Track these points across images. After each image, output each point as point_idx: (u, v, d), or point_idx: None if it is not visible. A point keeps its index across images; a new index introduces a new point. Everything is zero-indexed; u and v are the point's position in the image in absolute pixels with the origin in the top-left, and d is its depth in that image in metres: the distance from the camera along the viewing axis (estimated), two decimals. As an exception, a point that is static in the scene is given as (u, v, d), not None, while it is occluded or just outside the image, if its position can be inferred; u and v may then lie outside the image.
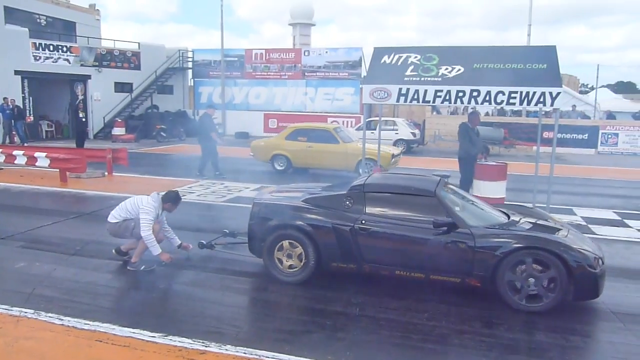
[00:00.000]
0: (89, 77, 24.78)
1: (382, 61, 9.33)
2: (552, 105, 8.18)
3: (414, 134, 21.42)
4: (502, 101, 8.33)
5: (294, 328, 4.76)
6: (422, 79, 8.73)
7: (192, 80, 30.05)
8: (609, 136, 22.52)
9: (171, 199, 6.38)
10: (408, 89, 8.62)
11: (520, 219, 5.88)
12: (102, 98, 25.18)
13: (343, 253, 5.61)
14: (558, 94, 8.12)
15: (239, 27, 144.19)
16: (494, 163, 9.74)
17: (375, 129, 20.40)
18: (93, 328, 4.59)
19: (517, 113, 25.15)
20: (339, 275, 5.78)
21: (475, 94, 8.34)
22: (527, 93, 8.18)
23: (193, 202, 10.11)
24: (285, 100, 27.36)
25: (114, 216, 6.32)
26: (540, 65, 8.57)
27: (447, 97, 8.47)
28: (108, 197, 10.36)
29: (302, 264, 5.74)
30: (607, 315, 5.17)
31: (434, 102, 8.64)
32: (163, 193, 6.41)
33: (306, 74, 26.93)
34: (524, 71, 8.53)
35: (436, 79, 8.69)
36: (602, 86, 43.67)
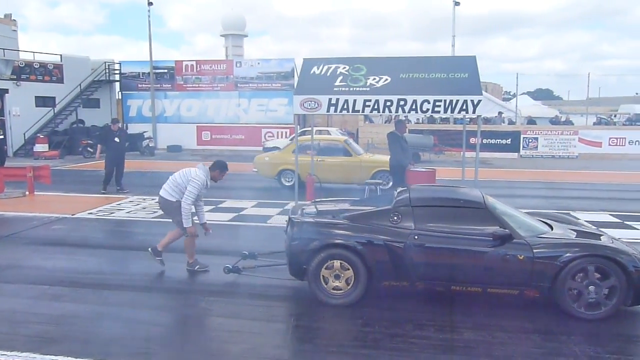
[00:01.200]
0: (6, 91, 23.42)
1: (312, 72, 9.42)
2: (474, 112, 8.55)
3: (347, 143, 21.69)
4: (428, 109, 8.61)
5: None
6: (351, 89, 8.88)
7: (119, 93, 29.09)
8: (530, 140, 23.82)
9: (219, 167, 6.53)
10: (338, 99, 8.74)
11: (562, 226, 5.90)
12: (21, 113, 23.88)
13: (396, 271, 5.35)
14: (479, 101, 8.50)
15: (170, 39, 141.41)
16: (424, 169, 10.06)
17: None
18: (10, 359, 4.30)
19: (446, 120, 26.10)
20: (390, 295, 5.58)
21: (402, 103, 8.58)
22: (451, 101, 8.51)
23: (121, 220, 9.75)
24: (219, 112, 27.04)
25: (169, 193, 6.46)
26: (462, 75, 8.94)
27: (376, 107, 8.66)
28: (29, 218, 9.80)
29: (351, 284, 5.39)
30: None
31: (363, 111, 8.81)
32: (209, 164, 6.52)
33: (239, 85, 26.75)
34: (447, 80, 8.87)
35: (365, 88, 8.87)
36: (523, 93, 46.07)
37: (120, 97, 29.12)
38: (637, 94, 58.93)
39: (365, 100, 8.70)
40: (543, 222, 5.95)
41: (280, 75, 26.33)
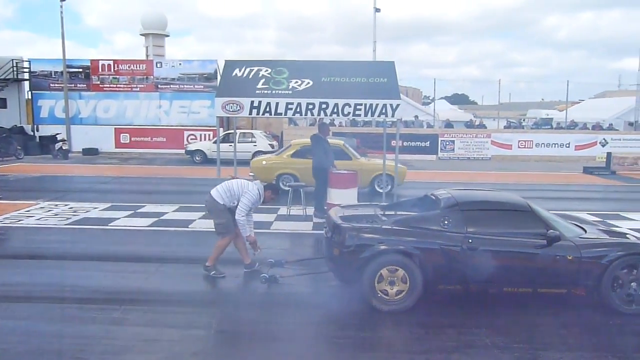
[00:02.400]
0: None
1: (234, 74, 9.34)
2: (393, 115, 8.84)
3: (272, 146, 21.68)
4: (349, 113, 8.81)
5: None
6: (274, 91, 8.90)
7: (29, 92, 27.31)
8: (447, 143, 24.92)
9: (272, 188, 6.73)
10: (260, 102, 8.73)
11: (590, 227, 6.15)
12: None
13: (450, 274, 5.38)
14: (397, 105, 8.81)
15: (87, 36, 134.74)
16: (346, 171, 10.24)
17: (236, 142, 20.37)
18: None
19: (368, 123, 26.72)
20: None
21: (324, 106, 8.72)
22: (371, 105, 8.76)
23: (30, 227, 9.17)
24: (138, 114, 26.06)
25: (220, 195, 6.47)
26: (381, 79, 9.23)
27: (298, 110, 8.74)
28: None
29: (407, 290, 5.34)
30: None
31: (285, 114, 8.86)
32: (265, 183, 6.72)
33: (159, 86, 25.94)
34: (367, 85, 9.12)
35: (287, 91, 8.92)
36: (441, 98, 48.11)
37: (30, 97, 27.33)
38: (543, 99, 63.31)
39: (287, 103, 8.75)
40: (571, 223, 6.16)
41: (202, 76, 25.81)
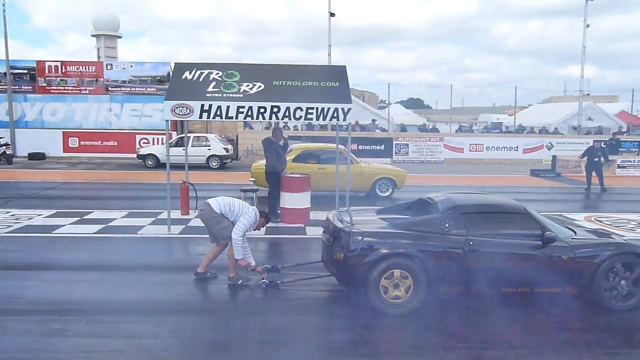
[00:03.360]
0: None
1: (184, 77, 9.16)
2: (344, 119, 8.88)
3: (227, 150, 21.45)
4: (301, 117, 8.79)
5: None
6: (224, 95, 8.77)
7: (-31, 94, 25.99)
8: (401, 147, 25.29)
9: (266, 216, 6.75)
10: (210, 105, 8.59)
11: (578, 229, 6.41)
12: None
13: (452, 276, 5.43)
14: (349, 109, 8.85)
15: (34, 36, 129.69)
16: (299, 175, 10.24)
17: (191, 146, 20.09)
18: None
19: (324, 127, 26.83)
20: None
21: (275, 110, 8.66)
22: (323, 109, 8.77)
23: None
24: (87, 117, 25.22)
25: (218, 205, 6.38)
26: (333, 83, 9.25)
27: (250, 113, 8.65)
28: None
29: (411, 292, 5.40)
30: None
31: (236, 118, 8.75)
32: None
33: (110, 89, 25.23)
34: (319, 89, 9.13)
35: (238, 95, 8.81)
36: (397, 102, 48.87)
37: (-30, 99, 26.03)
38: (494, 104, 65.29)
39: (238, 107, 8.64)
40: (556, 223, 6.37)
41: (155, 79, 25.26)
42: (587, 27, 28.21)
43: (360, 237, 5.46)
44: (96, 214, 10.53)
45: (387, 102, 34.16)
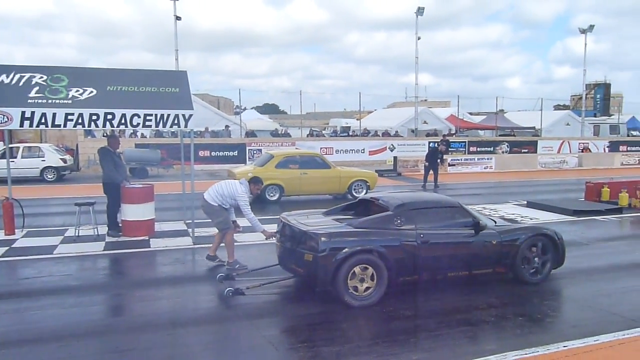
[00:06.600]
0: None
1: (0, 81, 8.23)
2: (186, 126, 8.66)
3: (64, 160, 19.68)
4: (139, 123, 8.39)
5: None
6: (50, 101, 8.05)
7: None
8: (255, 152, 25.36)
9: (255, 181, 7.38)
10: (33, 113, 7.82)
11: (496, 218, 7.43)
12: None
13: (409, 267, 6.02)
14: (190, 115, 8.65)
15: None
16: (140, 185, 9.74)
17: (21, 157, 18.07)
18: None
19: (175, 134, 25.92)
20: None
21: (110, 117, 8.16)
22: (162, 115, 8.46)
23: None
24: None
25: (212, 198, 7.26)
26: (173, 89, 8.98)
27: (80, 121, 8.04)
28: None
29: (374, 286, 5.86)
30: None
31: (65, 126, 8.06)
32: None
33: None
34: (158, 94, 8.80)
35: (66, 101, 8.15)
36: (252, 108, 49.04)
37: None
38: (345, 109, 68.59)
39: (67, 114, 7.99)
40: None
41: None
42: (419, 39, 31.01)
43: (328, 238, 5.81)
44: None
45: (242, 107, 34.07)
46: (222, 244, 7.52)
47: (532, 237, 6.76)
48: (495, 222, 7.09)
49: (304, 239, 5.95)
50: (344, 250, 5.75)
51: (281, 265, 6.67)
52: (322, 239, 5.78)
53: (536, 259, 6.76)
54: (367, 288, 5.87)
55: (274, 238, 6.89)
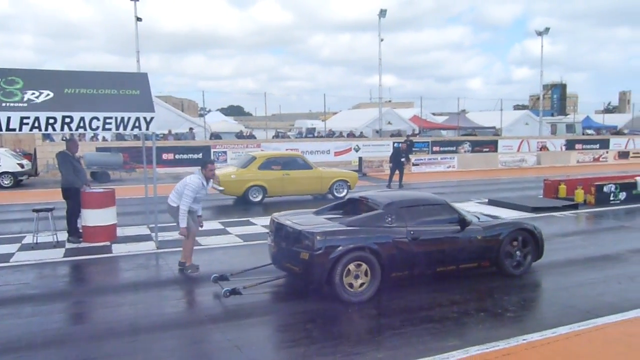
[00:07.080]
0: None
1: (-51, 83, 7.90)
2: (147, 129, 8.50)
3: (21, 165, 19.07)
4: (98, 127, 8.17)
5: None
6: (4, 104, 7.76)
7: None
8: (220, 154, 25.16)
9: (202, 164, 7.27)
10: (-14, 116, 7.53)
11: (479, 214, 7.70)
12: None
13: (400, 263, 6.20)
14: (152, 118, 8.49)
15: None
16: (101, 190, 9.54)
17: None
18: None
19: (137, 137, 25.44)
20: None
21: (68, 120, 7.93)
22: (123, 118, 8.27)
23: None
24: None
25: (172, 200, 7.21)
26: (133, 92, 8.79)
27: (36, 125, 7.77)
28: None
29: (368, 282, 6.01)
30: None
31: (20, 130, 7.78)
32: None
33: None
34: (118, 97, 8.59)
35: (21, 104, 7.87)
36: (217, 110, 48.54)
37: None
38: (310, 111, 68.74)
39: (22, 118, 7.71)
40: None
41: None
42: (382, 41, 31.35)
43: (324, 237, 5.93)
44: None
45: (205, 109, 33.70)
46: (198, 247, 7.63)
47: (513, 232, 7.07)
48: (479, 218, 7.36)
49: (300, 238, 6.07)
50: (338, 248, 5.91)
51: (275, 265, 6.74)
52: (318, 237, 5.92)
53: (517, 252, 7.08)
54: (362, 284, 6.05)
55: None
